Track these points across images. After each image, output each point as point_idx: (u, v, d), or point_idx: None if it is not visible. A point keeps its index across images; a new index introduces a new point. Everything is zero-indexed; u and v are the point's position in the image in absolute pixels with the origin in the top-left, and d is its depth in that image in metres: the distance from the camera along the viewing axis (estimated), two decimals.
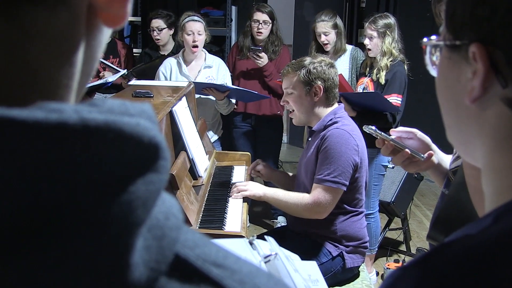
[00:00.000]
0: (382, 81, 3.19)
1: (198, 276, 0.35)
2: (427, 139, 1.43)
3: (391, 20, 3.24)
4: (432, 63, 0.60)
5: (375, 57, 3.27)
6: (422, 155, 1.37)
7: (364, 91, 3.29)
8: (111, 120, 0.30)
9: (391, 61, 3.19)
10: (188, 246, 0.36)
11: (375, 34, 3.20)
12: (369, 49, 3.26)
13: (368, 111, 3.10)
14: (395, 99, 3.14)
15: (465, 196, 0.99)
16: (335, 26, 3.53)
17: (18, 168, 0.28)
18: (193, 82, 3.25)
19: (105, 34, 0.38)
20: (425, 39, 0.60)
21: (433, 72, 0.60)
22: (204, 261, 0.36)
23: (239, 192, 2.34)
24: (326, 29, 3.51)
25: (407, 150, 1.38)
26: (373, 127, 1.48)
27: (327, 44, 3.55)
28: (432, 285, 0.43)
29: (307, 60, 2.33)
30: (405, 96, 3.23)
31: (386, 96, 3.13)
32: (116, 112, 0.32)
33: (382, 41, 3.19)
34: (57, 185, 0.29)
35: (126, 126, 0.31)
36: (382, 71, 3.19)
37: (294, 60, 2.40)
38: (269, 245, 1.42)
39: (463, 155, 0.60)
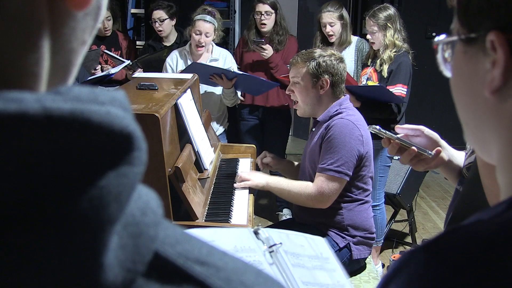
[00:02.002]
0: (385, 74, 3.16)
1: (179, 276, 0.33)
2: (435, 135, 1.39)
3: (391, 11, 3.21)
4: (445, 60, 0.58)
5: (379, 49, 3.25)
6: (429, 152, 1.33)
7: (368, 81, 3.27)
8: (77, 109, 0.28)
9: (395, 52, 3.16)
10: (168, 243, 0.34)
11: (375, 28, 3.17)
12: (373, 43, 3.24)
13: (373, 102, 3.08)
14: (400, 90, 3.12)
15: (479, 193, 0.97)
16: (341, 17, 3.50)
17: None
18: (201, 64, 3.24)
19: (81, 22, 0.35)
20: (436, 38, 0.59)
21: (446, 71, 0.59)
22: (186, 259, 0.34)
23: (242, 181, 2.34)
24: (332, 20, 3.48)
25: (413, 147, 1.34)
26: (377, 127, 1.45)
27: (332, 35, 3.51)
28: (440, 269, 0.42)
29: (317, 52, 2.32)
30: (410, 86, 3.21)
31: (391, 87, 3.12)
32: (84, 100, 0.29)
33: (384, 34, 3.15)
34: (19, 180, 0.27)
35: (94, 115, 0.29)
36: (385, 63, 3.16)
37: (304, 50, 2.39)
38: (274, 234, 1.40)
39: (479, 153, 0.59)
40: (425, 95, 5.68)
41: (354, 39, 3.63)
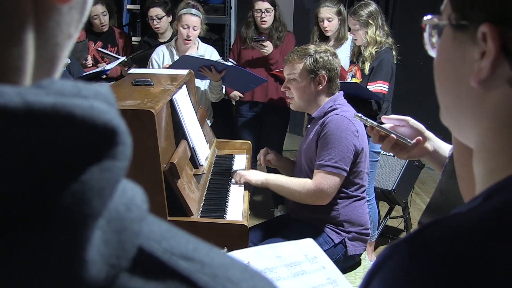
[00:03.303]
0: (366, 71, 3.16)
1: (164, 271, 0.33)
2: (420, 126, 1.44)
3: (372, 7, 3.20)
4: (431, 44, 0.58)
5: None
6: (409, 141, 1.38)
7: (353, 78, 3.28)
8: (59, 103, 0.28)
9: (376, 49, 3.16)
10: (153, 239, 0.33)
11: (357, 26, 3.17)
12: (356, 40, 3.26)
13: (353, 98, 3.07)
14: (380, 86, 3.12)
15: (455, 183, 0.99)
16: (339, 13, 3.50)
17: None
18: (191, 56, 3.22)
19: (66, 15, 0.35)
20: (425, 17, 0.59)
21: (431, 52, 0.59)
22: (171, 254, 0.33)
23: (241, 177, 2.34)
24: (330, 15, 3.48)
25: (392, 135, 1.39)
26: (360, 114, 1.52)
27: (328, 30, 3.51)
28: (420, 262, 0.43)
29: (312, 48, 2.33)
30: (392, 83, 3.20)
31: (371, 83, 3.12)
32: (67, 94, 0.29)
33: (365, 31, 3.15)
34: None
35: (77, 109, 0.28)
36: (367, 61, 3.16)
37: (297, 47, 2.39)
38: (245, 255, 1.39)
39: (457, 135, 0.60)
40: (422, 90, 5.69)
41: (350, 36, 3.63)
